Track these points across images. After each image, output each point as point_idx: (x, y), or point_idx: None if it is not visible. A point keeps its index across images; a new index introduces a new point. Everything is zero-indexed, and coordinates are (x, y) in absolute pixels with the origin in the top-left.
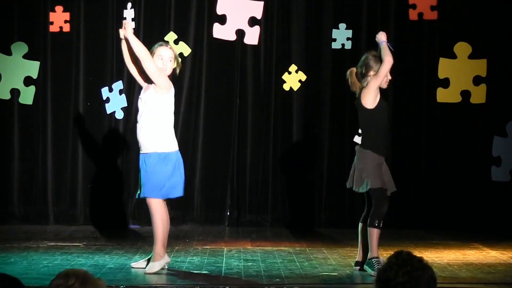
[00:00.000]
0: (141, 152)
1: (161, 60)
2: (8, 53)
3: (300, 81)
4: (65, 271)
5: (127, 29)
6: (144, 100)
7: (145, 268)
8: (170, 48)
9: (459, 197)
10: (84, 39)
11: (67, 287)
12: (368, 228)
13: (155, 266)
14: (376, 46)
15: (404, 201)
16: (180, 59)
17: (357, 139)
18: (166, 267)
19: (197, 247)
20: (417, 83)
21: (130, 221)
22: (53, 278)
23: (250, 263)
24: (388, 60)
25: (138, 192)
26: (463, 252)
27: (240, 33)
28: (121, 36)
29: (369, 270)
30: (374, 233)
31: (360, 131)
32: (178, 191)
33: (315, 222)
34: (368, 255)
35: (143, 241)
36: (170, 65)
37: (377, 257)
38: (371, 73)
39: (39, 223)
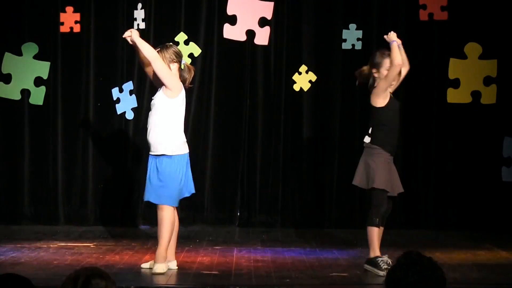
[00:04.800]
0: (150, 153)
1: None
2: (19, 53)
3: (310, 81)
4: (73, 273)
5: (133, 34)
6: (154, 103)
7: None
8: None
9: (469, 197)
10: (95, 39)
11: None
12: (367, 227)
13: (162, 267)
14: (386, 46)
15: (414, 202)
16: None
17: (367, 140)
18: (170, 266)
19: (207, 248)
20: (427, 83)
21: (140, 221)
22: (64, 278)
23: (260, 264)
24: (396, 63)
25: (147, 196)
26: (473, 253)
27: (250, 34)
28: (129, 42)
29: (373, 269)
30: (374, 232)
31: (370, 131)
32: (189, 190)
33: (326, 222)
34: (370, 254)
35: (153, 242)
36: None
37: (381, 256)
38: (381, 69)
39: (49, 223)
